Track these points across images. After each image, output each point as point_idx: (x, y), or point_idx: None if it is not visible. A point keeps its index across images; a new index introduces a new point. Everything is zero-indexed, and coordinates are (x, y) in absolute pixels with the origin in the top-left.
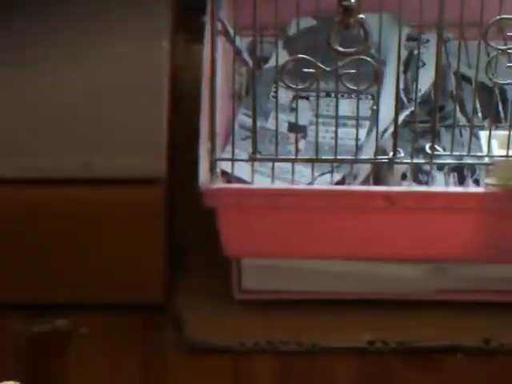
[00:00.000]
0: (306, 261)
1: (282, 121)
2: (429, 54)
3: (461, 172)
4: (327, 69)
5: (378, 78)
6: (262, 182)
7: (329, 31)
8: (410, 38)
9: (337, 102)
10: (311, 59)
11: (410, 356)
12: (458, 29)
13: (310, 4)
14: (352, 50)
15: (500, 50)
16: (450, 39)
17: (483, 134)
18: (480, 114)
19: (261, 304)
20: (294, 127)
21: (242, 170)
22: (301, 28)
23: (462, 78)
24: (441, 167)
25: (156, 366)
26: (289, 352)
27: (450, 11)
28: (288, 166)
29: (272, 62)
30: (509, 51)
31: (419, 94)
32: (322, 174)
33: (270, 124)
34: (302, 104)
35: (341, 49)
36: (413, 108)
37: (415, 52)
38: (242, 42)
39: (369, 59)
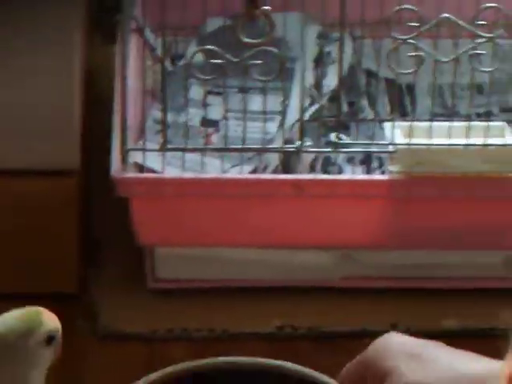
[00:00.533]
0: (220, 249)
1: (195, 115)
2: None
3: (370, 165)
4: (234, 60)
5: (283, 69)
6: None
7: (235, 23)
8: (320, 36)
9: (244, 95)
10: (218, 50)
11: (319, 340)
12: (369, 27)
13: (222, 4)
14: (258, 40)
15: (401, 39)
16: (359, 37)
17: (387, 125)
18: (388, 109)
19: (176, 293)
20: (207, 122)
21: (155, 162)
22: (215, 27)
23: (372, 76)
24: (350, 160)
25: (70, 355)
26: (202, 339)
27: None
28: (200, 158)
29: (186, 60)
30: (410, 41)
31: (329, 90)
32: (233, 166)
33: (183, 119)
34: (215, 99)
35: (247, 39)
36: (322, 102)
37: (326, 49)
38: (158, 41)
39: (274, 50)
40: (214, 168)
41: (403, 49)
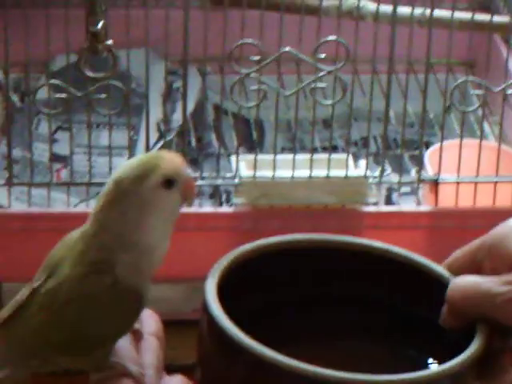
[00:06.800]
0: None
1: (43, 151)
2: (187, 87)
3: (218, 199)
4: (78, 94)
5: (127, 102)
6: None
7: (78, 58)
8: (169, 72)
9: (89, 129)
10: (62, 84)
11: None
12: (216, 62)
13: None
14: (101, 74)
15: (243, 73)
16: (208, 73)
17: (233, 158)
18: (235, 143)
19: None
20: (55, 157)
21: (3, 197)
22: (63, 63)
23: (221, 111)
24: (199, 195)
25: None
26: None
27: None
28: (47, 193)
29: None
30: (252, 75)
31: (178, 125)
32: (81, 201)
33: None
34: (64, 135)
35: (90, 74)
36: (171, 137)
37: (174, 85)
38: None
39: (117, 83)
40: (62, 203)
41: (250, 83)
